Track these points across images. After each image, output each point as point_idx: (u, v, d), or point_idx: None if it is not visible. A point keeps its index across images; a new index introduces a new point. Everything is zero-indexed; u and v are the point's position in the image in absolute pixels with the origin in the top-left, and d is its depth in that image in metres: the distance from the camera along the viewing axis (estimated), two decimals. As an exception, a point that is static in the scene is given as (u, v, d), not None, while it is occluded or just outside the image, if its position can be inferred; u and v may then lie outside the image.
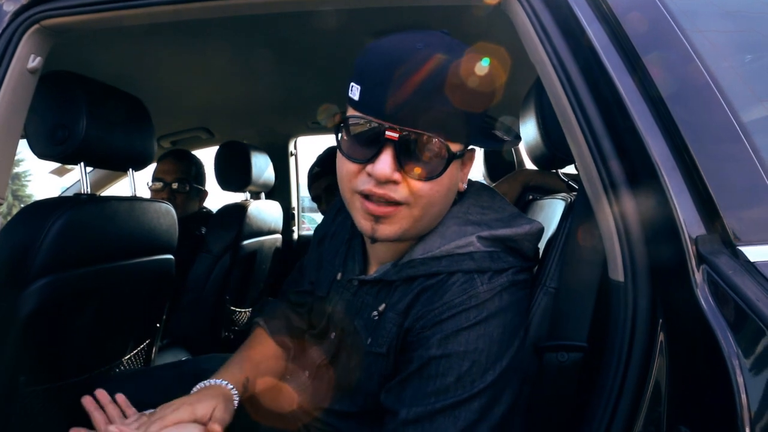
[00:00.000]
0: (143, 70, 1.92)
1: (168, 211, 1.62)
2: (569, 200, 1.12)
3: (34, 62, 1.15)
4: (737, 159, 0.72)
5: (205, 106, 2.57)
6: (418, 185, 0.85)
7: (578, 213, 0.96)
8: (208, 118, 2.85)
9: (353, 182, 0.87)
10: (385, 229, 0.88)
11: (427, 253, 0.91)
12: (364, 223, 0.89)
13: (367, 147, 0.84)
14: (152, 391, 1.08)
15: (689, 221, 0.70)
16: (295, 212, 3.27)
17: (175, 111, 2.58)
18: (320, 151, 2.56)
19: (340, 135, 0.88)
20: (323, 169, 2.45)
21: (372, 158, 0.84)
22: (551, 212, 1.20)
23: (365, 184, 0.85)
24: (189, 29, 1.60)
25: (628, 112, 0.77)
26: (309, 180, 2.52)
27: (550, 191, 1.53)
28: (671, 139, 0.74)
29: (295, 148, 3.28)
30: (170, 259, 1.65)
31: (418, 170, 0.83)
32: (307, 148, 3.45)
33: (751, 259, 0.64)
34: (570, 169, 1.30)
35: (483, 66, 0.83)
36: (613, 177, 0.78)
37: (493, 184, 1.86)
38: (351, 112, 0.87)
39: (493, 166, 2.59)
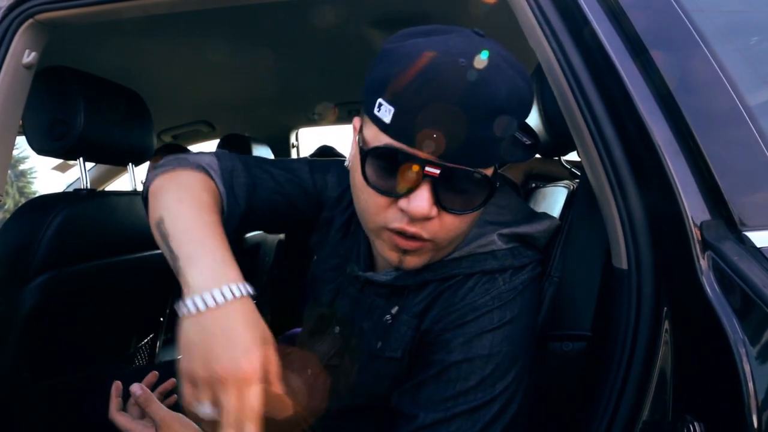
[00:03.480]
0: (142, 64, 1.91)
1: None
2: (572, 188, 1.10)
3: (29, 57, 1.14)
4: (742, 143, 0.70)
5: (206, 99, 2.56)
6: (452, 219, 0.77)
7: (581, 201, 0.95)
8: (209, 111, 2.84)
9: (382, 216, 0.78)
10: (412, 261, 0.81)
11: (447, 255, 0.87)
12: (390, 254, 0.82)
13: (399, 179, 0.74)
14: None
15: (694, 207, 0.68)
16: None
17: (175, 105, 2.57)
18: (321, 143, 2.55)
19: (364, 161, 0.76)
20: None
21: (407, 193, 0.74)
22: (553, 200, 1.18)
23: (398, 222, 0.77)
24: (187, 22, 1.58)
25: (631, 97, 0.75)
26: None
27: (552, 179, 1.52)
28: (675, 123, 0.72)
29: (297, 139, 3.27)
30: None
31: (455, 204, 0.75)
32: (310, 140, 3.44)
33: (758, 245, 0.63)
34: (572, 156, 1.29)
35: (523, 78, 0.74)
36: (616, 163, 0.76)
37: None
38: (378, 135, 0.75)
39: None
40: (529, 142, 0.88)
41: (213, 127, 3.01)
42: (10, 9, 1.13)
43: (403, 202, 0.74)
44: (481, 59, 0.69)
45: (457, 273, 0.85)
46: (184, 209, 0.81)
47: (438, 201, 0.74)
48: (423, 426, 0.81)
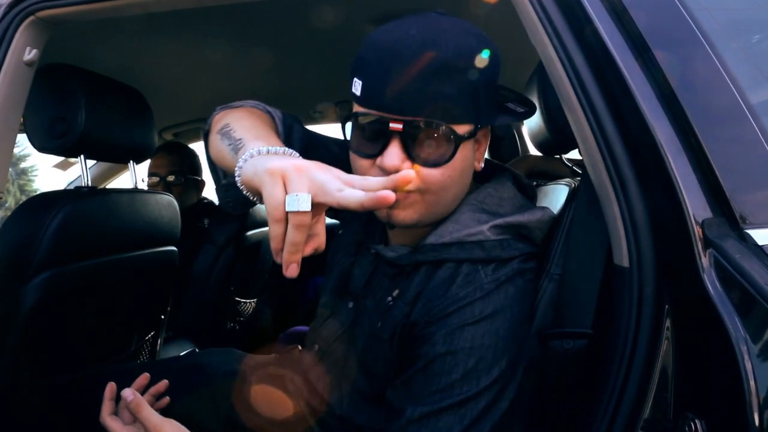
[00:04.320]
0: (143, 61, 1.90)
1: (170, 202, 1.61)
2: (573, 186, 1.10)
3: (30, 54, 1.14)
4: (744, 141, 0.70)
5: (207, 97, 2.56)
6: (428, 172, 0.84)
7: (582, 198, 0.95)
8: (210, 109, 2.83)
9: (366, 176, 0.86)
10: (399, 214, 0.87)
11: (439, 239, 0.91)
12: (379, 212, 0.89)
13: (375, 141, 0.84)
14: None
15: (695, 204, 0.68)
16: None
17: (176, 103, 2.57)
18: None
19: (349, 132, 0.87)
20: None
21: (381, 151, 0.84)
22: (555, 198, 1.18)
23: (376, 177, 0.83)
24: (188, 20, 1.58)
25: (632, 95, 0.75)
26: None
27: (554, 177, 1.51)
28: (676, 121, 0.72)
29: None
30: (173, 250, 1.65)
31: (426, 157, 0.83)
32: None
33: (759, 242, 0.63)
34: (574, 155, 1.28)
35: (480, 40, 0.83)
36: (618, 161, 0.76)
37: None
38: (356, 107, 0.87)
39: (496, 151, 2.57)
40: (522, 110, 0.92)
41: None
42: (11, 6, 1.13)
43: (379, 160, 0.84)
44: (430, 27, 0.82)
45: (446, 258, 0.89)
46: (249, 119, 0.93)
47: (409, 156, 0.83)
48: (411, 420, 0.83)
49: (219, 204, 2.27)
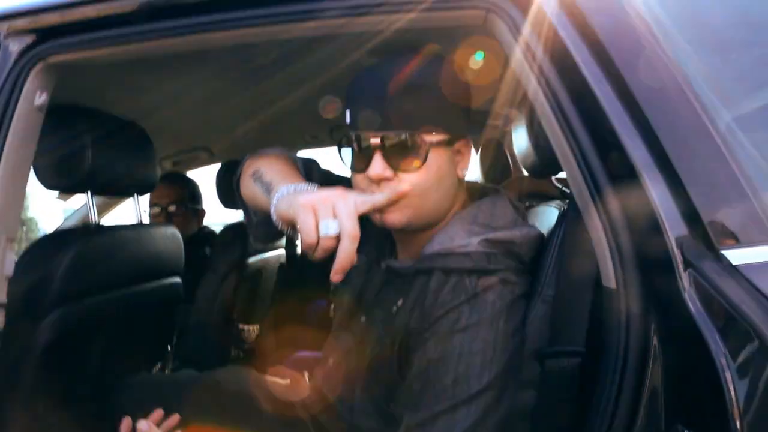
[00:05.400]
0: (144, 98, 1.96)
1: (173, 234, 1.66)
2: (563, 207, 1.15)
3: (40, 99, 1.18)
4: (713, 160, 0.74)
5: (205, 126, 2.61)
6: (407, 175, 0.97)
7: (571, 220, 0.99)
8: (208, 137, 2.89)
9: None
10: (389, 217, 0.98)
11: (431, 249, 0.99)
12: (373, 217, 1.00)
13: (364, 158, 0.98)
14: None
15: (674, 227, 0.73)
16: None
17: (175, 133, 2.62)
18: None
19: (347, 155, 1.03)
20: None
21: (368, 165, 0.97)
22: (546, 219, 1.23)
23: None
24: (188, 59, 1.64)
25: (611, 123, 0.80)
26: None
27: (546, 197, 1.56)
28: (651, 146, 0.77)
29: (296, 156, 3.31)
30: (178, 282, 1.69)
31: (404, 164, 0.97)
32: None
33: (734, 262, 0.68)
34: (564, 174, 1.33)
35: (446, 65, 1.00)
36: (599, 186, 0.81)
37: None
38: (348, 132, 1.02)
39: (489, 171, 2.62)
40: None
41: (212, 153, 3.06)
42: (22, 53, 1.17)
43: (367, 172, 0.97)
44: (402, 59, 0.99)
45: (437, 267, 0.98)
46: (276, 164, 1.11)
47: (391, 164, 0.96)
48: (410, 426, 0.90)
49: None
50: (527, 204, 1.66)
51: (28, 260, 1.26)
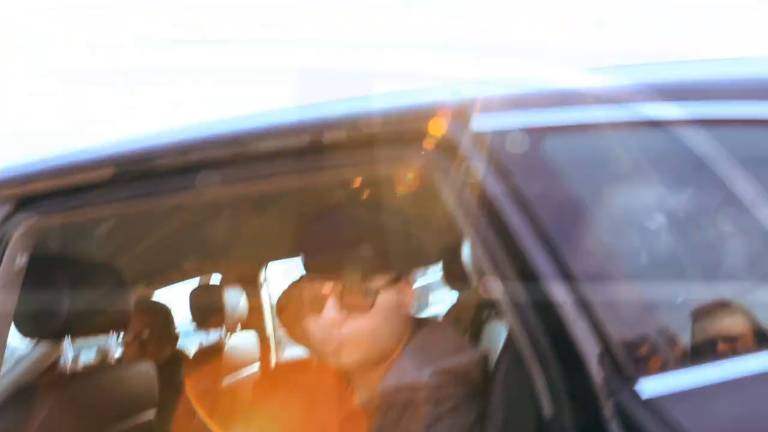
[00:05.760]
0: (118, 240, 2.05)
1: (148, 370, 1.70)
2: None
3: (20, 261, 1.25)
4: (624, 301, 0.87)
5: (177, 251, 2.70)
6: (356, 320, 1.05)
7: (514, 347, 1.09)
8: (179, 259, 2.96)
9: (317, 333, 1.09)
10: (344, 356, 1.06)
11: (385, 386, 1.07)
12: (329, 358, 1.09)
13: (317, 303, 1.06)
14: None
15: (596, 363, 0.83)
16: (271, 339, 3.32)
17: (147, 261, 2.69)
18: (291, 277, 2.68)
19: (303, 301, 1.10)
20: None
21: (321, 310, 1.05)
22: (495, 338, 1.33)
23: (323, 330, 1.07)
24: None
25: (539, 274, 0.91)
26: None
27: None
28: (575, 291, 0.88)
29: (266, 274, 3.40)
30: (151, 419, 1.71)
31: (353, 308, 1.05)
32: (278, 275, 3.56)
33: (643, 397, 0.78)
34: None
35: (384, 214, 1.12)
36: (533, 333, 0.90)
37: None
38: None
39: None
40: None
41: (185, 272, 3.13)
42: (3, 221, 1.24)
43: (321, 318, 1.05)
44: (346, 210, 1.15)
45: (395, 402, 1.04)
46: None
47: (342, 309, 1.04)
48: None
49: None
50: (486, 313, 1.76)
51: (1, 413, 1.27)
